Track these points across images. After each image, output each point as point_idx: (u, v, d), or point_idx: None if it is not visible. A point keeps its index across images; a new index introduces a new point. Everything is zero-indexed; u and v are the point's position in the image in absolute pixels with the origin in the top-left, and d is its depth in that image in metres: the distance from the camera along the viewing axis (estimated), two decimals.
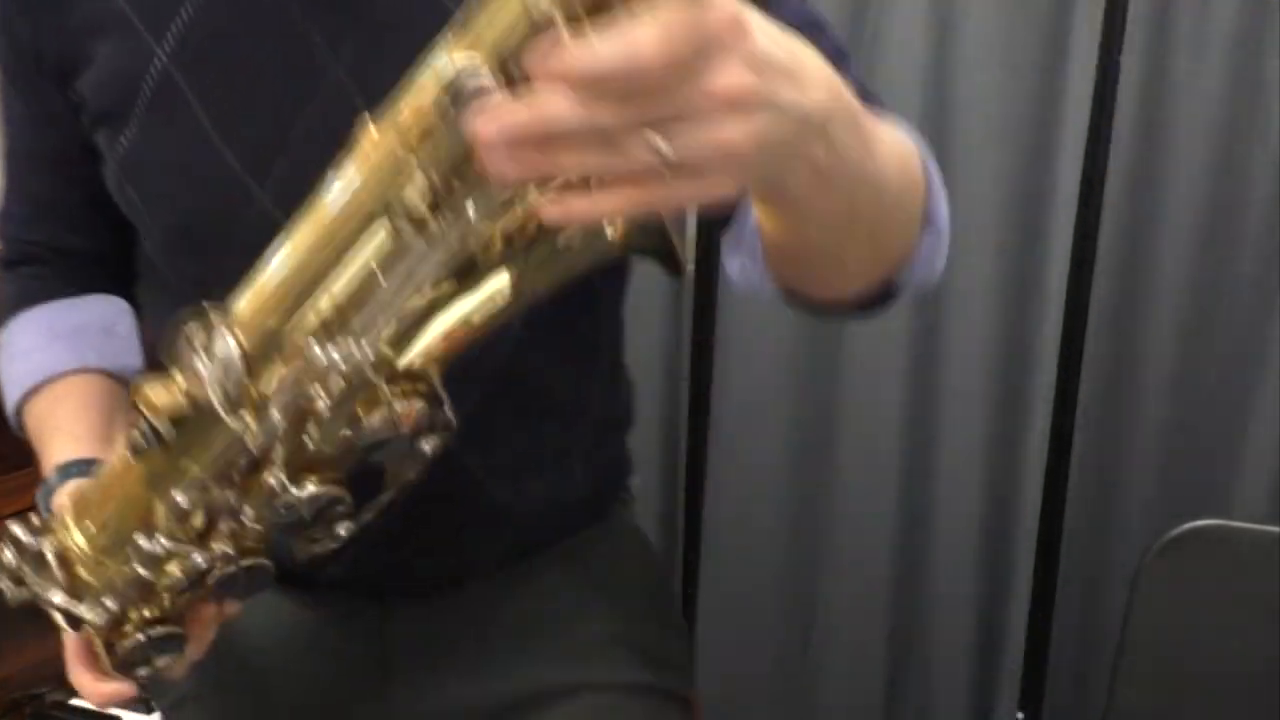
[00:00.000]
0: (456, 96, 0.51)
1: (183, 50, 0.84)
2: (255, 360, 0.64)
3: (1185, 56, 1.71)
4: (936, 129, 1.78)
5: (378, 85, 0.67)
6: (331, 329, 0.63)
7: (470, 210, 0.57)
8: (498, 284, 0.64)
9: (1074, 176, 1.70)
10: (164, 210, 0.88)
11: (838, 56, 0.76)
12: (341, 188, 0.59)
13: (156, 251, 0.92)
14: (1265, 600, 1.33)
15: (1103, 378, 1.81)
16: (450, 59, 0.51)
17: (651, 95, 0.46)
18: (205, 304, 0.65)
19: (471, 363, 0.67)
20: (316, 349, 0.63)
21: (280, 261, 0.63)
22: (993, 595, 1.94)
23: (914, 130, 0.75)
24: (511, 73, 0.49)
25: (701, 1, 0.45)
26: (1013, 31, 1.76)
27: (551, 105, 0.46)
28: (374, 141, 0.58)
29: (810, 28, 0.76)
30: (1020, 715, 1.84)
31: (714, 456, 1.96)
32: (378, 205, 0.58)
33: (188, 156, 0.85)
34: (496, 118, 0.47)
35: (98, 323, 1.00)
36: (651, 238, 0.64)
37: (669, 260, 0.64)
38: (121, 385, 0.98)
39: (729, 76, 0.47)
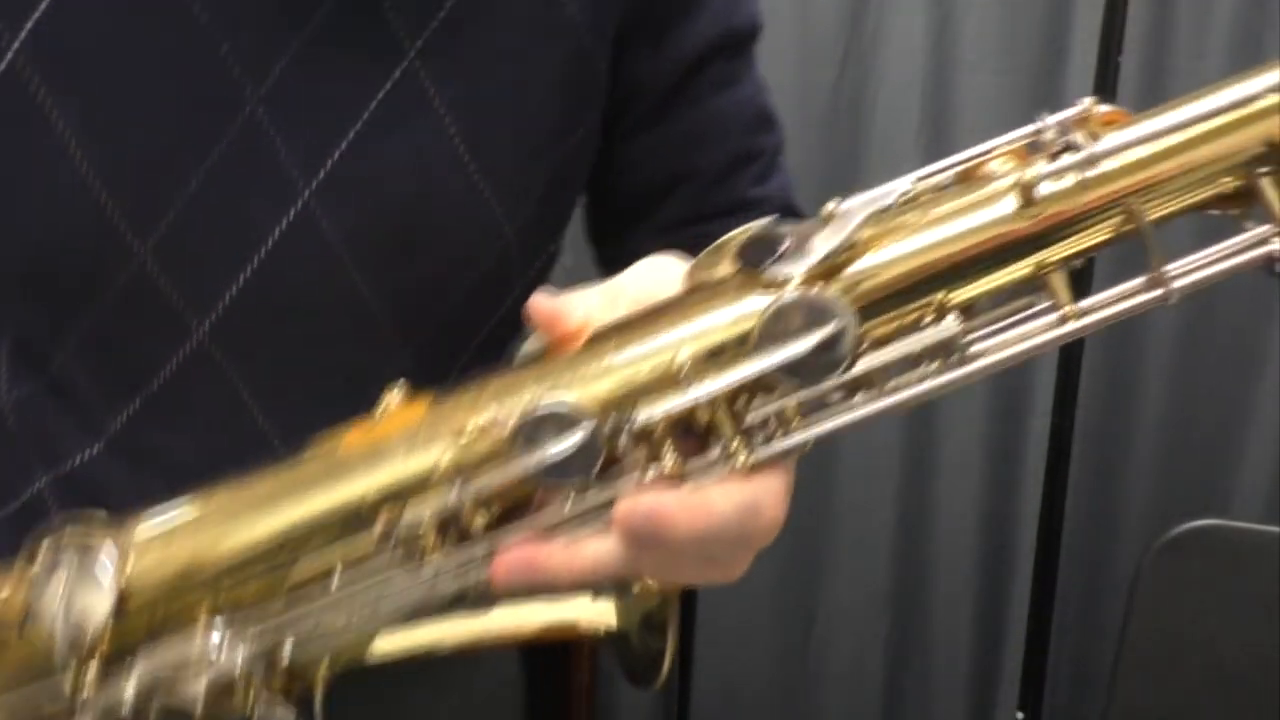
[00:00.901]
0: (547, 451, 0.47)
1: (39, 44, 0.64)
2: (130, 612, 0.51)
3: (1185, 56, 1.72)
4: (936, 129, 1.78)
5: (307, 129, 0.63)
6: (241, 614, 0.51)
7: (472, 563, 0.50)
8: (434, 635, 0.59)
9: None
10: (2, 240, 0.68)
11: (775, 153, 0.78)
12: (341, 458, 0.51)
13: None
14: (1265, 600, 1.33)
15: (1103, 378, 1.81)
16: (567, 398, 0.47)
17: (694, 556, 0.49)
18: (100, 515, 0.52)
19: None
20: (212, 636, 0.51)
21: (218, 505, 0.52)
22: (993, 595, 1.94)
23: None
24: (616, 440, 0.47)
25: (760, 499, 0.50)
26: (1013, 31, 1.76)
27: (591, 559, 0.48)
28: (405, 419, 0.51)
29: (762, 123, 0.78)
30: (1020, 715, 1.84)
31: None
32: (376, 500, 0.49)
33: (39, 177, 0.64)
34: (523, 562, 0.48)
35: None
36: (630, 646, 0.63)
37: (643, 668, 0.63)
38: None
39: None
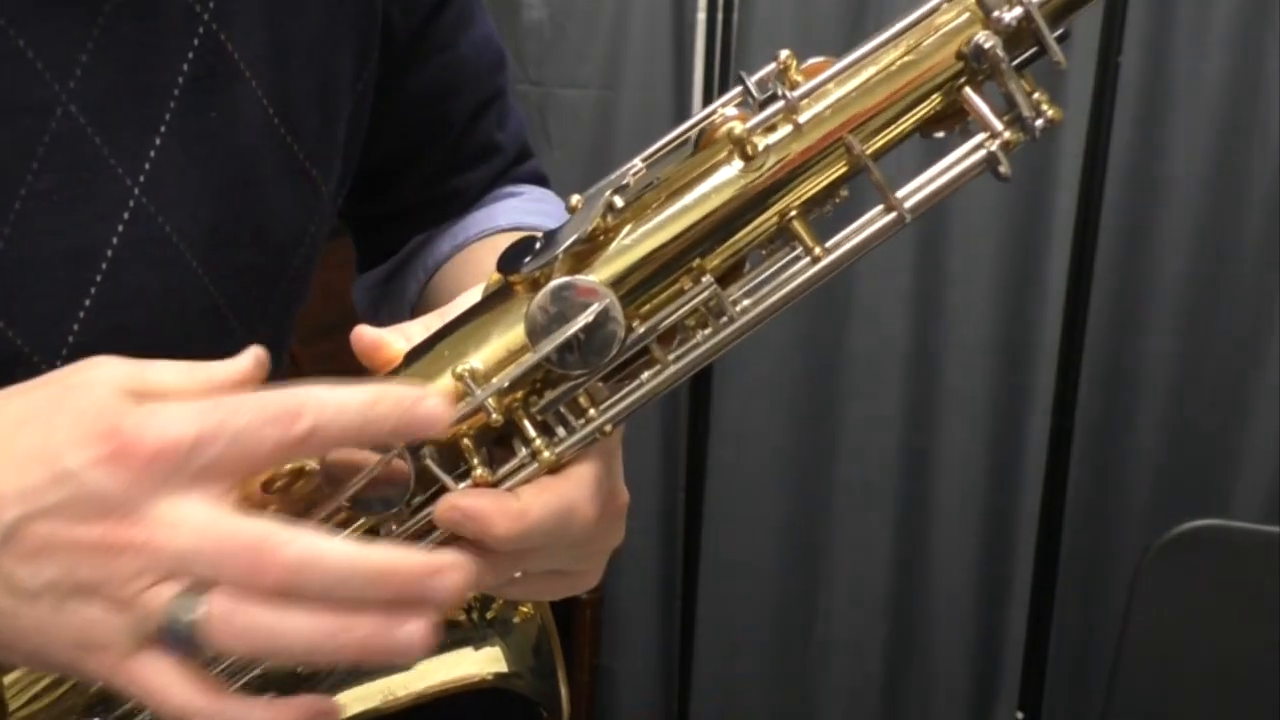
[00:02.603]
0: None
1: None
2: None
3: (1185, 56, 1.72)
4: None
5: (123, 120, 0.59)
6: None
7: None
8: (363, 695, 0.59)
9: (1074, 176, 1.70)
10: None
11: (508, 91, 0.78)
12: None
13: None
14: (1265, 600, 1.33)
15: (1102, 378, 1.81)
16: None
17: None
18: None
19: None
20: None
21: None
22: (993, 595, 1.94)
23: None
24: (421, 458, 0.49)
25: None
26: None
27: (444, 567, 0.46)
28: None
29: (499, 63, 0.78)
30: (1020, 715, 1.84)
31: (714, 456, 1.96)
32: None
33: None
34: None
35: None
36: (528, 682, 0.63)
37: (548, 702, 0.63)
38: None
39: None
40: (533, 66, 1.89)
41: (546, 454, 0.49)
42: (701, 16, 1.84)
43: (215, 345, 0.65)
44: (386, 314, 0.82)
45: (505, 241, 0.53)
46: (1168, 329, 1.79)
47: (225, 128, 0.63)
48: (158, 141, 0.61)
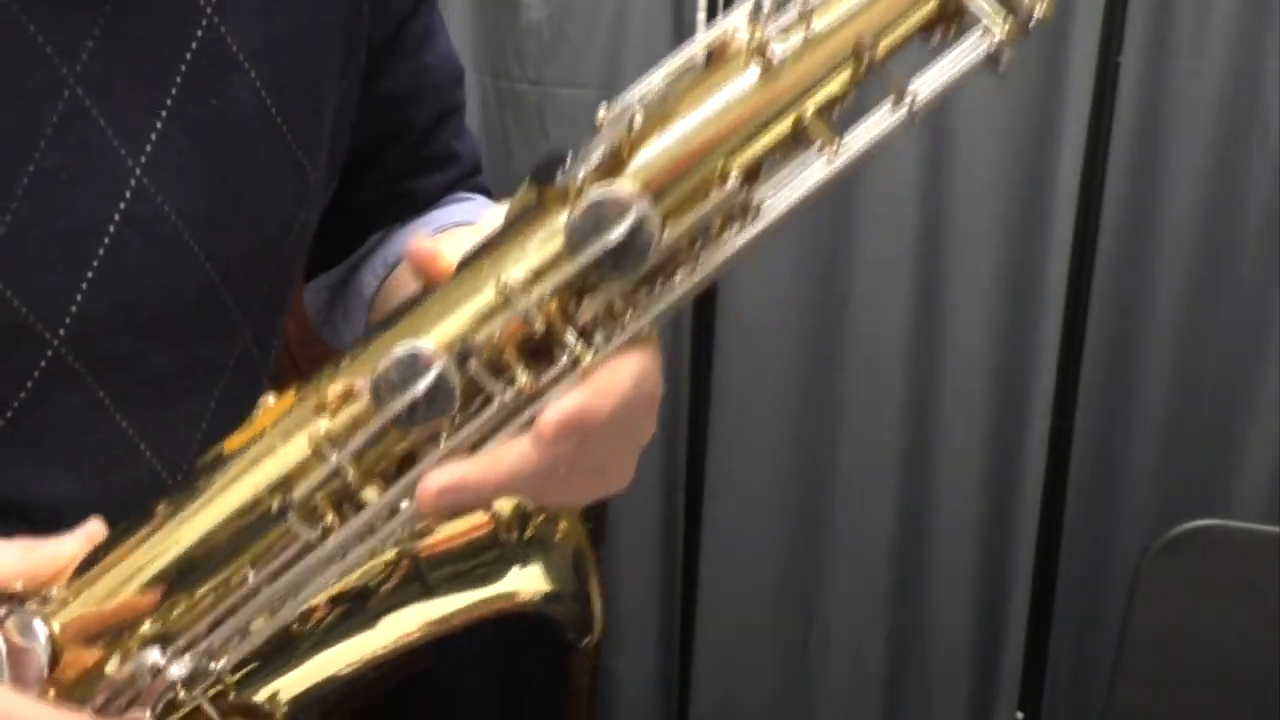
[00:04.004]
0: (411, 397, 0.50)
1: None
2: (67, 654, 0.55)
3: (1185, 56, 1.71)
4: (936, 129, 1.78)
5: (126, 104, 0.62)
6: (173, 635, 0.55)
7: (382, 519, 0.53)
8: (401, 623, 0.61)
9: (1074, 176, 1.70)
10: None
11: (464, 107, 0.81)
12: (226, 467, 0.54)
13: None
14: (1265, 600, 1.33)
15: (1102, 377, 1.81)
16: (411, 344, 0.50)
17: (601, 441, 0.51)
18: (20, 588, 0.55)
19: None
20: (149, 656, 0.55)
21: (139, 544, 0.55)
22: (993, 595, 1.94)
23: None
24: (468, 368, 0.50)
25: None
26: None
27: (509, 467, 0.50)
28: (276, 413, 0.53)
29: (459, 79, 0.81)
30: (1020, 715, 1.84)
31: (714, 456, 1.96)
32: (269, 494, 0.53)
33: None
34: (451, 481, 0.50)
35: None
36: (566, 603, 0.64)
37: (578, 624, 0.64)
38: None
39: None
40: (532, 66, 1.89)
41: (589, 359, 0.50)
42: (701, 17, 1.84)
43: (210, 321, 0.69)
44: (342, 312, 0.83)
45: (466, 235, 0.55)
46: (1168, 329, 1.79)
47: (224, 115, 0.65)
48: (159, 125, 0.63)
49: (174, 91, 0.64)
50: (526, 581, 0.63)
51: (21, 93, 0.60)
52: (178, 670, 0.55)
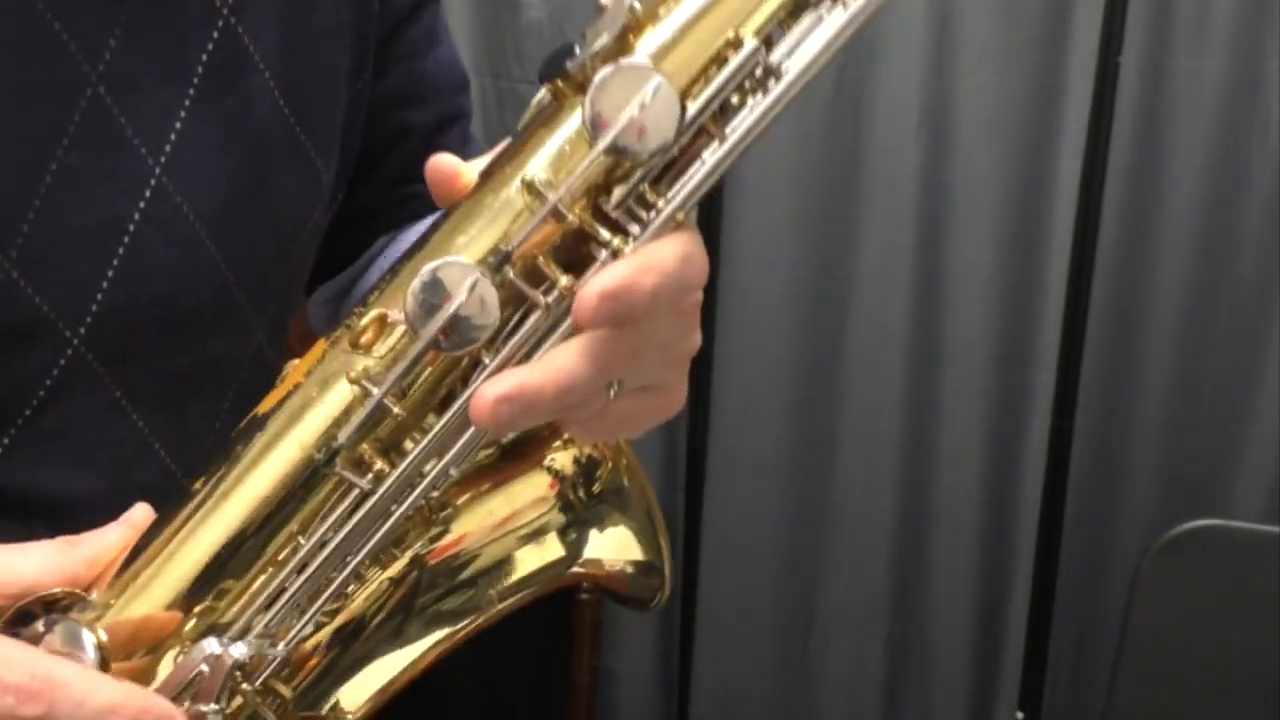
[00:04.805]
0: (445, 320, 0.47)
1: None
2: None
3: (1185, 56, 1.72)
4: (936, 128, 1.78)
5: (146, 103, 0.62)
6: (228, 622, 0.53)
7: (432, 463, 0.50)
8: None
9: (1074, 176, 1.70)
10: None
11: (470, 117, 0.81)
12: (264, 430, 0.51)
13: None
14: (1265, 600, 1.33)
15: (1102, 377, 1.81)
16: (439, 261, 0.47)
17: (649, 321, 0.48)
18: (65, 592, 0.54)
19: None
20: (205, 647, 0.53)
21: (181, 530, 0.53)
22: (993, 595, 1.94)
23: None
24: (504, 276, 0.48)
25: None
26: (1013, 31, 1.76)
27: (566, 369, 0.47)
28: (308, 363, 0.51)
29: (464, 85, 0.80)
30: (1020, 715, 1.85)
31: (714, 456, 1.96)
32: (315, 447, 0.50)
33: None
34: (509, 388, 0.46)
35: None
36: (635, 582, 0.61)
37: (649, 587, 0.62)
38: None
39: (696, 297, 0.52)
40: (532, 66, 1.88)
41: (628, 250, 0.48)
42: None
43: (224, 321, 0.69)
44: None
45: (487, 157, 0.53)
46: (1168, 329, 1.79)
47: (240, 115, 0.66)
48: (178, 125, 0.64)
49: (192, 91, 0.64)
50: (613, 549, 0.61)
51: (46, 90, 0.60)
52: (237, 652, 0.52)
